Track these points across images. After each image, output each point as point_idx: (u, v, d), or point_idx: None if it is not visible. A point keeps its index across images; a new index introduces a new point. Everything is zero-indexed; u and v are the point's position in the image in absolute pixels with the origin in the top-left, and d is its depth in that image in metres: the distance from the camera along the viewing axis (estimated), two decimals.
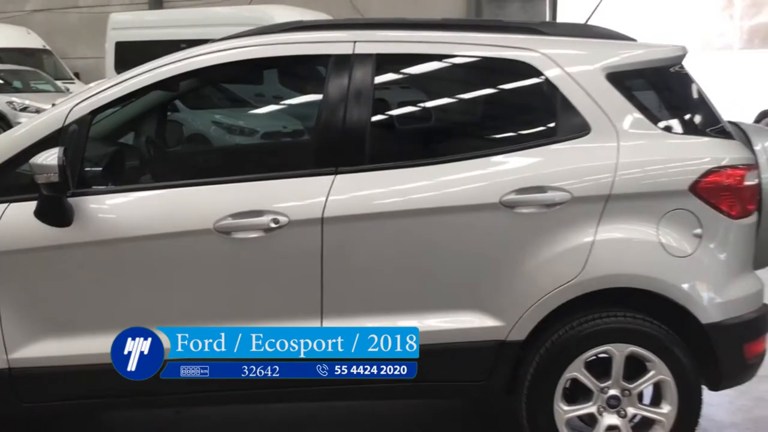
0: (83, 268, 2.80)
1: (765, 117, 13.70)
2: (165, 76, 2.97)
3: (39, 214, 2.69)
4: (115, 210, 2.84)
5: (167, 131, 3.48)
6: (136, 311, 2.83)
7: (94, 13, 19.83)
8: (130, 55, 15.13)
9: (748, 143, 3.12)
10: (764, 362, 4.38)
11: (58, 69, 18.56)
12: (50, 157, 2.58)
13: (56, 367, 2.82)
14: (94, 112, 2.87)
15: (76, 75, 18.80)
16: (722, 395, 3.83)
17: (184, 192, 2.86)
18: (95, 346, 2.80)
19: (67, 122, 2.81)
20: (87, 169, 2.88)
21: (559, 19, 13.39)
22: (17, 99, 14.71)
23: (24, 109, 14.46)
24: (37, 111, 14.24)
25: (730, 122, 3.31)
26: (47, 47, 19.30)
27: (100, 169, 2.96)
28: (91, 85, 12.33)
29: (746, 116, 16.98)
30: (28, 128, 2.93)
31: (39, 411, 3.00)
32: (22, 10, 21.60)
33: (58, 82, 16.86)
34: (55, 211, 2.69)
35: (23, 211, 2.73)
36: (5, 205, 2.77)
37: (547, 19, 14.29)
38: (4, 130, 14.72)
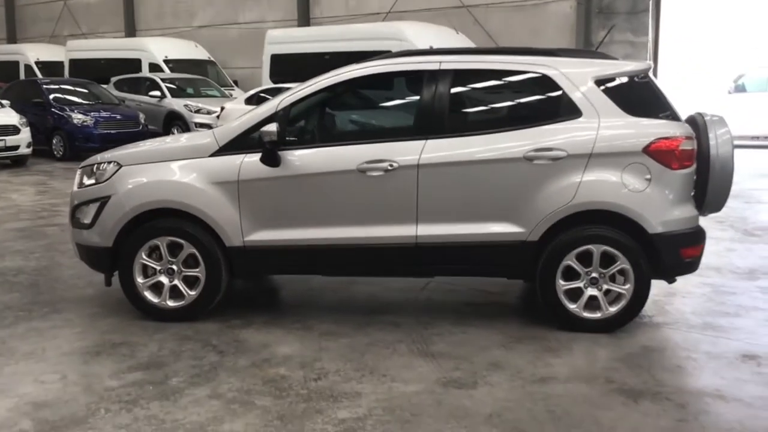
0: (284, 190, 4.93)
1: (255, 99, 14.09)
2: (329, 83, 5.08)
3: (263, 159, 4.86)
4: (301, 158, 4.94)
5: (328, 114, 5.57)
6: (310, 214, 4.94)
7: (251, 29, 22.68)
8: (282, 65, 17.67)
9: (706, 131, 4.84)
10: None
11: (220, 77, 21.40)
12: (272, 127, 4.75)
13: (268, 247, 4.98)
14: (292, 104, 5.02)
15: (235, 82, 21.61)
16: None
17: (339, 149, 4.95)
18: (290, 234, 4.94)
19: (277, 110, 4.99)
20: (286, 137, 5.01)
21: (662, 29, 14.90)
22: (192, 102, 17.59)
23: (197, 111, 17.27)
24: (209, 113, 16.92)
25: (697, 113, 5.04)
26: (211, 58, 22.29)
27: (294, 137, 5.09)
28: (251, 91, 15.07)
29: None
30: (255, 113, 5.09)
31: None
32: (189, 25, 24.87)
33: (222, 89, 19.71)
34: (272, 157, 4.85)
35: (253, 159, 4.91)
36: (244, 155, 4.96)
37: (650, 29, 15.82)
38: (182, 129, 17.57)
